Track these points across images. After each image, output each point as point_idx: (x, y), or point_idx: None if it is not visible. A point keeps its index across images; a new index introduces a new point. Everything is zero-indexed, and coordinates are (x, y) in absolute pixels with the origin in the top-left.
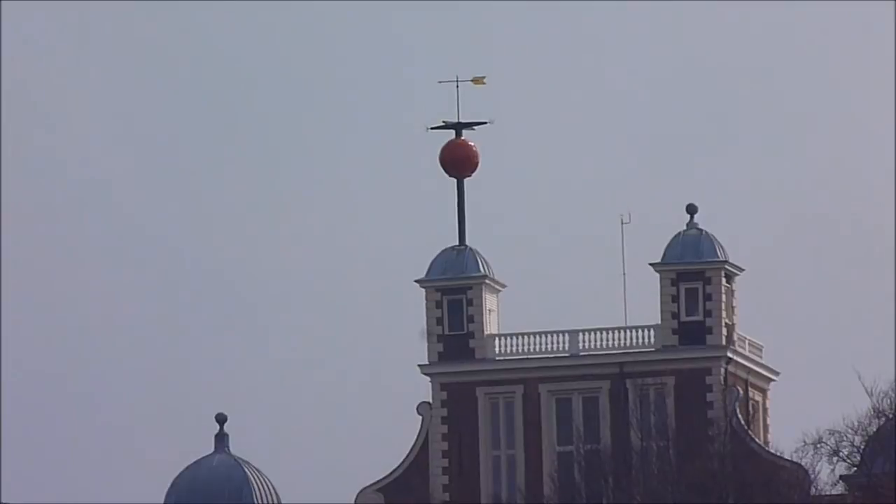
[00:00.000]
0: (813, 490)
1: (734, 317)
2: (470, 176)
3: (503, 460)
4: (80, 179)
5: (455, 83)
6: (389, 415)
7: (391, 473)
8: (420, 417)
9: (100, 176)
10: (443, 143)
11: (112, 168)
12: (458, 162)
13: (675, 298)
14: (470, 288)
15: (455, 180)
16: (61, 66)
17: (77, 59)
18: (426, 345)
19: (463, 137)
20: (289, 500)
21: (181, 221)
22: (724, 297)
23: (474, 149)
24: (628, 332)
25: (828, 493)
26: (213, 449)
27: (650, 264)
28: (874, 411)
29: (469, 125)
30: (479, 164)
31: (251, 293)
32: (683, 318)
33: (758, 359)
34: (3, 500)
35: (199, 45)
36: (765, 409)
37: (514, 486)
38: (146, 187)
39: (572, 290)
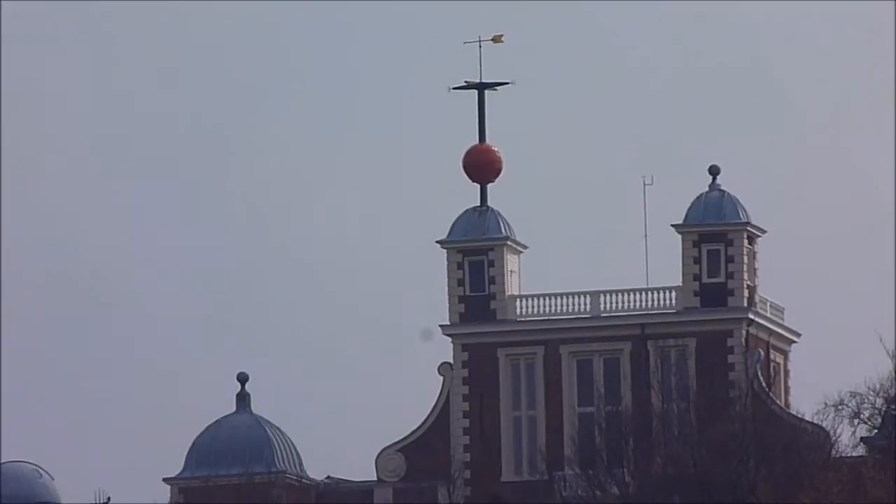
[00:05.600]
0: (834, 452)
1: (756, 279)
2: (493, 181)
3: (524, 421)
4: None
5: (478, 43)
6: (411, 375)
7: (412, 434)
8: (441, 378)
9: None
10: (466, 149)
11: (148, 110)
12: (482, 168)
13: (697, 260)
14: (491, 249)
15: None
16: (61, 64)
17: (77, 58)
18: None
19: (487, 142)
20: (310, 459)
21: (202, 184)
22: (745, 258)
23: (497, 154)
24: (650, 293)
25: (849, 455)
26: (234, 408)
27: (672, 226)
28: None
29: (491, 86)
30: (503, 170)
31: (272, 253)
32: (705, 279)
33: (779, 321)
34: (33, 462)
35: (221, 8)
36: (786, 372)
37: (534, 446)
38: (180, 129)
39: (594, 252)
